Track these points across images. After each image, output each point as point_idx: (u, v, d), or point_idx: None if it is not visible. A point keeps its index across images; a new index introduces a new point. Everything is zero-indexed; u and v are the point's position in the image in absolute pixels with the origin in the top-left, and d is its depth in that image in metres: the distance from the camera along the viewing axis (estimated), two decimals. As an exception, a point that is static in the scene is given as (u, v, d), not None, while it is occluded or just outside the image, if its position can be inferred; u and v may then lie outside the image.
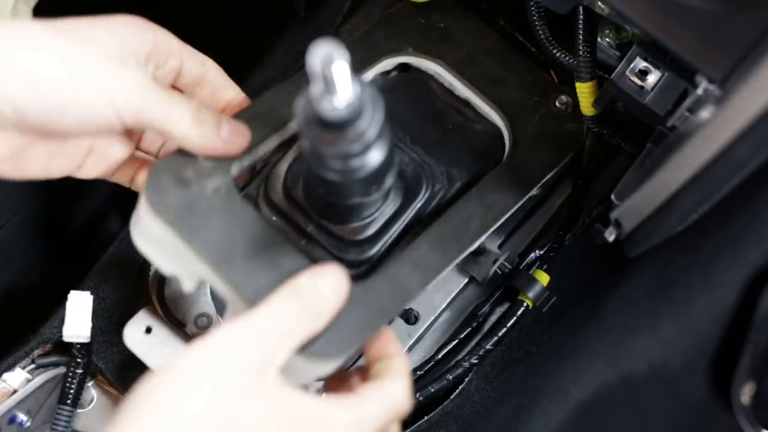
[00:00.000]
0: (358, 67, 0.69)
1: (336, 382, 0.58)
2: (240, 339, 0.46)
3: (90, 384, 0.77)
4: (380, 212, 0.62)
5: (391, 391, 0.51)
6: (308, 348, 0.51)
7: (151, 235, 0.56)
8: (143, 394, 0.43)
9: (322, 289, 0.50)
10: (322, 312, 0.50)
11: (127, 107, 0.52)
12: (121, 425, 0.42)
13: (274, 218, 0.63)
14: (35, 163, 0.56)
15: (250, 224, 0.56)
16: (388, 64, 0.72)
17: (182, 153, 0.57)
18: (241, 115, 0.60)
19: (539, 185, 0.68)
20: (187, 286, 0.56)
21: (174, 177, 0.56)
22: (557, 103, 0.72)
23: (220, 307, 0.76)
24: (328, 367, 0.54)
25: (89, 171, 0.59)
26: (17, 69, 0.50)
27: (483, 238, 0.64)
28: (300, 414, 0.46)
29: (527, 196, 0.66)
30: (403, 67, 0.75)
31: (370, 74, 0.71)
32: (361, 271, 0.62)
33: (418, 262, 0.58)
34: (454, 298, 0.77)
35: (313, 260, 0.57)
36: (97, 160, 0.59)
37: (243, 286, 0.53)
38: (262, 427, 0.44)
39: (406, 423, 0.74)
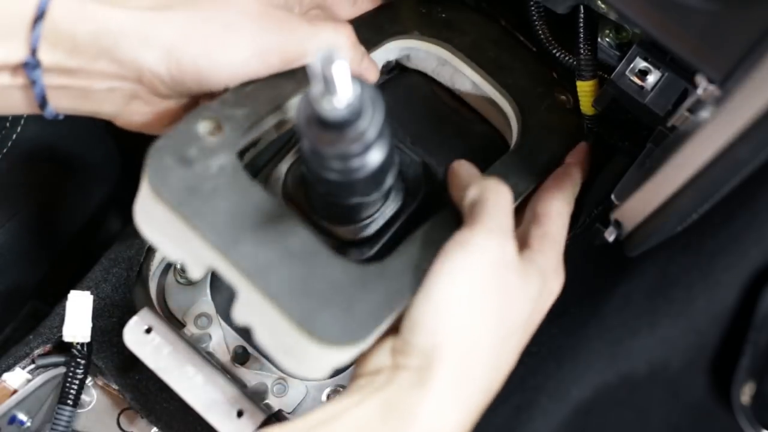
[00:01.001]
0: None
1: None
2: (490, 241, 0.54)
3: (90, 384, 0.77)
4: (380, 213, 0.62)
5: (555, 235, 0.60)
6: (325, 334, 0.49)
7: (155, 220, 0.54)
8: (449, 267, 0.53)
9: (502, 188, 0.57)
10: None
11: (283, 47, 0.58)
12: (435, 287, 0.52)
13: None
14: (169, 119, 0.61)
15: (257, 204, 0.53)
16: (393, 47, 0.71)
17: (184, 129, 0.55)
18: (241, 89, 0.58)
19: (547, 174, 0.66)
20: (195, 273, 0.54)
21: (176, 156, 0.54)
22: (560, 97, 0.72)
23: (220, 306, 0.76)
24: (347, 354, 0.51)
25: None
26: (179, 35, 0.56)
27: None
28: (534, 284, 0.56)
29: (537, 184, 0.65)
30: (403, 68, 0.75)
31: (375, 55, 0.69)
32: (373, 254, 0.61)
33: (434, 242, 0.55)
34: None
35: (324, 236, 0.56)
36: None
37: (252, 271, 0.51)
38: (521, 299, 0.55)
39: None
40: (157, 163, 0.53)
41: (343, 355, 0.51)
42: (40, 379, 0.76)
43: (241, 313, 0.52)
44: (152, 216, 0.54)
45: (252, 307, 0.52)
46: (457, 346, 0.52)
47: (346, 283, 0.52)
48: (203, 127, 0.55)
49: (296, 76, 0.59)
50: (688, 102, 0.56)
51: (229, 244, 0.51)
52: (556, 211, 0.61)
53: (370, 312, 0.51)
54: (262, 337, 0.52)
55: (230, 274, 0.52)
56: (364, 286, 0.52)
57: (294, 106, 0.60)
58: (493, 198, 0.56)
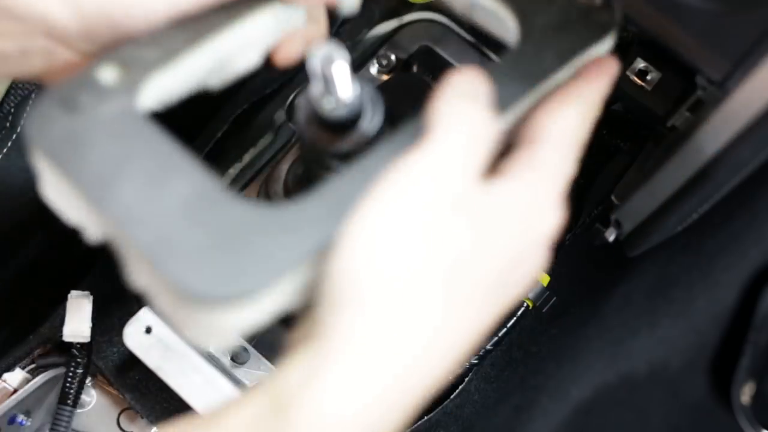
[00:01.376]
0: None
1: None
2: (441, 166, 0.42)
3: (90, 384, 0.77)
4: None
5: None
6: (208, 287, 0.41)
7: (44, 177, 0.47)
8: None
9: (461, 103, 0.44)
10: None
11: None
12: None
13: None
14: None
15: (149, 148, 0.45)
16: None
17: (80, 75, 0.47)
18: (159, 29, 0.49)
19: (553, 73, 0.50)
20: (91, 234, 0.47)
21: (62, 104, 0.46)
22: None
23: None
24: (248, 311, 0.42)
25: None
26: None
27: None
28: (505, 228, 0.43)
29: (536, 87, 0.49)
30: (404, 66, 0.75)
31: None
32: None
33: (379, 164, 0.43)
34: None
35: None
36: None
37: (127, 221, 0.43)
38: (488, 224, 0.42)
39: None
40: (39, 110, 0.46)
41: (243, 311, 0.42)
42: (40, 379, 0.76)
43: (131, 275, 0.46)
44: (41, 173, 0.47)
45: (135, 265, 0.45)
46: (373, 304, 0.40)
47: (244, 226, 0.42)
48: (105, 72, 0.48)
49: (232, 7, 0.50)
50: (688, 102, 0.56)
51: (105, 193, 0.44)
52: (557, 128, 0.46)
53: (272, 255, 0.41)
54: (154, 300, 0.46)
55: (110, 229, 0.44)
56: (268, 228, 0.42)
57: (232, 45, 0.51)
58: (457, 113, 0.43)
